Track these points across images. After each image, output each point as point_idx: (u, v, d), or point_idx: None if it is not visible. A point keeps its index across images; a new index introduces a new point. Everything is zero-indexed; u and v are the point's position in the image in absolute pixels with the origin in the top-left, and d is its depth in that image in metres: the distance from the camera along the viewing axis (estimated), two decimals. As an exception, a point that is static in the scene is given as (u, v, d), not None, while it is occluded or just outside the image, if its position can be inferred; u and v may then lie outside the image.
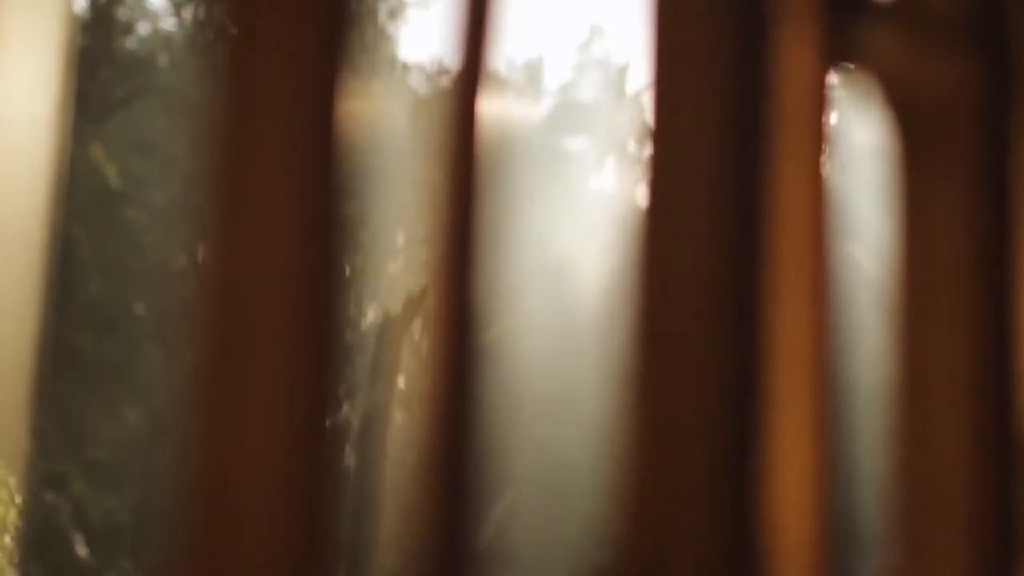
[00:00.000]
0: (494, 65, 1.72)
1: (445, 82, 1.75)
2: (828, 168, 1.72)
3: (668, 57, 1.66)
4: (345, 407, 1.56)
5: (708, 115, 1.63)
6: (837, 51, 1.78)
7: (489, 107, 1.70)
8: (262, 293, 1.53)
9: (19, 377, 1.55)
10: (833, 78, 1.76)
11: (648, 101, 1.66)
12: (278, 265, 1.53)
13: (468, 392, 1.66)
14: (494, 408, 1.68)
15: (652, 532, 1.55)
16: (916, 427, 1.76)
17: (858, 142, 1.89)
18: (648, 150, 1.65)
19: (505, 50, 1.74)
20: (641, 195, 1.66)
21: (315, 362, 1.52)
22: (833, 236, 1.72)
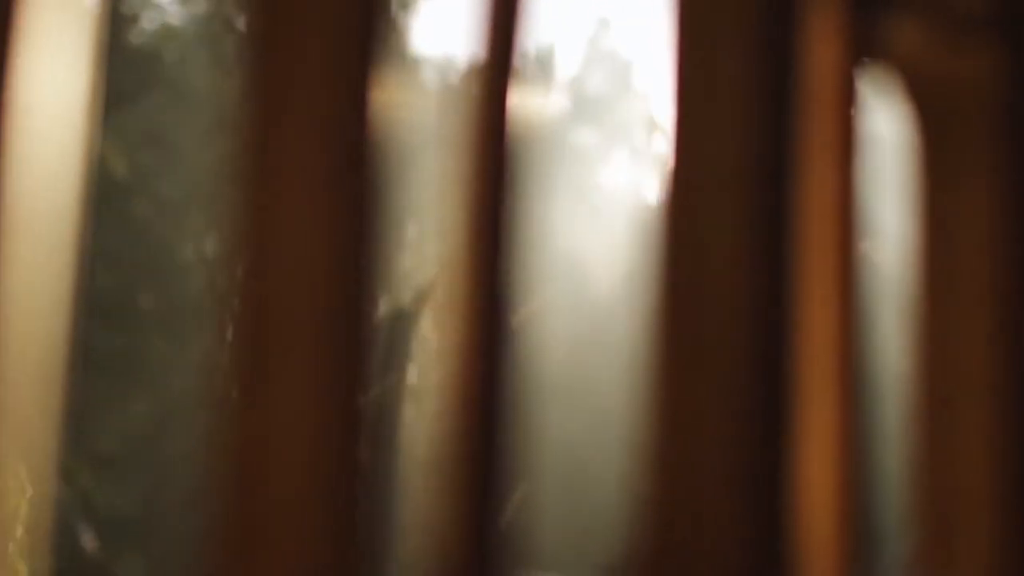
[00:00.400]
0: (520, 55, 1.72)
1: (466, 72, 1.75)
2: (854, 163, 1.72)
3: (692, 50, 1.66)
4: (362, 401, 1.56)
5: (732, 109, 1.63)
6: (861, 45, 1.77)
7: (515, 98, 1.70)
8: (289, 286, 1.53)
9: (39, 371, 1.54)
10: (859, 72, 1.76)
11: (669, 94, 1.65)
12: (305, 259, 1.53)
13: (488, 383, 1.66)
14: (514, 398, 1.67)
15: (676, 526, 1.54)
16: (938, 423, 1.76)
17: (879, 137, 1.88)
18: (671, 144, 1.64)
19: (529, 40, 1.74)
20: (659, 189, 1.65)
21: (344, 355, 1.52)
22: (858, 231, 1.72)
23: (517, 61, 1.72)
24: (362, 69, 1.56)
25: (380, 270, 1.55)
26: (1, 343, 1.66)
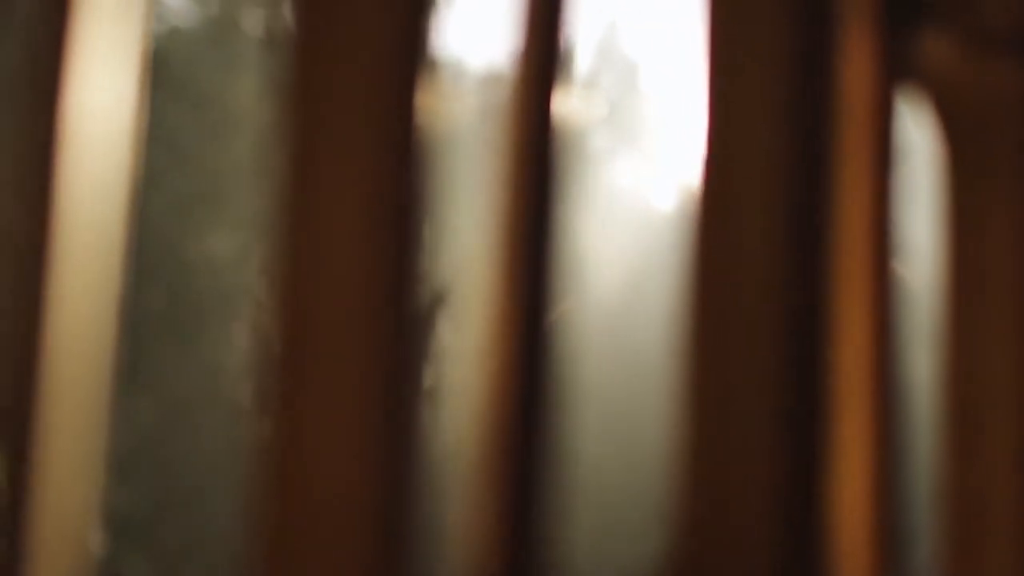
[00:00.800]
0: (561, 57, 1.72)
1: (505, 74, 1.75)
2: (888, 180, 1.73)
3: (723, 63, 1.66)
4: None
5: (764, 124, 1.63)
6: (895, 62, 1.78)
7: (556, 99, 1.70)
8: (329, 288, 1.54)
9: (86, 376, 1.55)
10: (893, 89, 1.77)
11: (701, 107, 1.65)
12: (345, 261, 1.54)
13: (520, 386, 1.66)
14: (547, 403, 1.68)
15: (708, 539, 1.55)
16: (966, 434, 1.77)
17: (911, 154, 1.89)
18: (702, 156, 1.64)
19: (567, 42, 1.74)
20: (689, 201, 1.66)
21: (384, 359, 1.53)
22: (893, 249, 1.73)
23: (558, 64, 1.72)
24: (403, 72, 1.57)
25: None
26: (50, 351, 1.68)
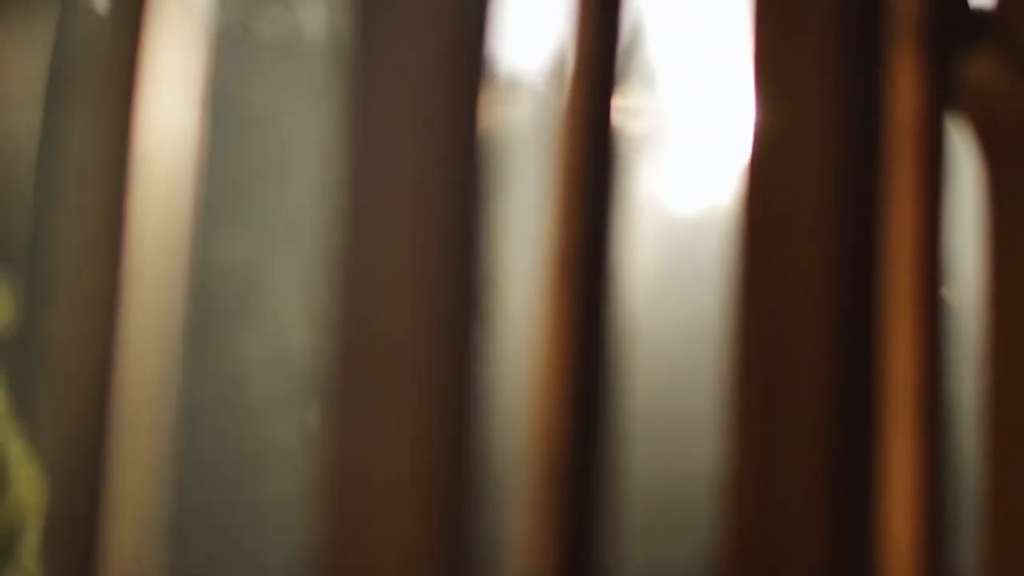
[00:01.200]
0: (618, 63, 1.71)
1: (555, 80, 1.74)
2: (938, 204, 1.74)
3: (772, 83, 1.66)
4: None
5: (814, 146, 1.64)
6: (945, 86, 1.79)
7: (612, 104, 1.69)
8: (388, 297, 1.54)
9: (153, 383, 1.58)
10: (943, 114, 1.77)
11: (749, 123, 1.65)
12: (407, 271, 1.54)
13: (577, 389, 1.66)
14: (603, 411, 1.68)
15: (759, 548, 1.56)
16: (1012, 454, 1.78)
17: (958, 178, 1.90)
18: (747, 180, 1.64)
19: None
20: (736, 218, 1.65)
21: (443, 365, 1.53)
22: (941, 268, 1.74)
23: (612, 69, 1.72)
24: (459, 78, 1.57)
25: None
26: (125, 353, 1.70)
